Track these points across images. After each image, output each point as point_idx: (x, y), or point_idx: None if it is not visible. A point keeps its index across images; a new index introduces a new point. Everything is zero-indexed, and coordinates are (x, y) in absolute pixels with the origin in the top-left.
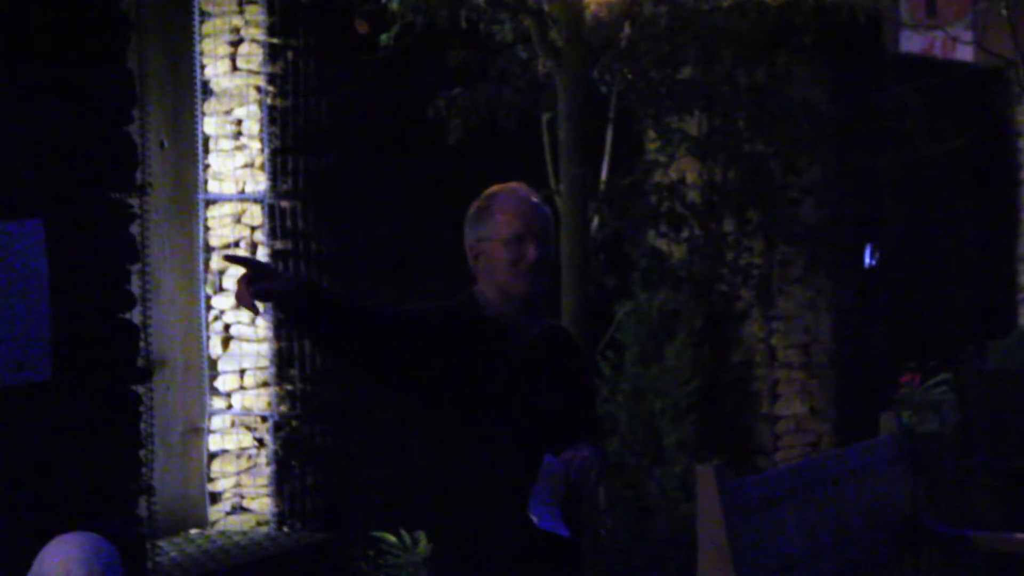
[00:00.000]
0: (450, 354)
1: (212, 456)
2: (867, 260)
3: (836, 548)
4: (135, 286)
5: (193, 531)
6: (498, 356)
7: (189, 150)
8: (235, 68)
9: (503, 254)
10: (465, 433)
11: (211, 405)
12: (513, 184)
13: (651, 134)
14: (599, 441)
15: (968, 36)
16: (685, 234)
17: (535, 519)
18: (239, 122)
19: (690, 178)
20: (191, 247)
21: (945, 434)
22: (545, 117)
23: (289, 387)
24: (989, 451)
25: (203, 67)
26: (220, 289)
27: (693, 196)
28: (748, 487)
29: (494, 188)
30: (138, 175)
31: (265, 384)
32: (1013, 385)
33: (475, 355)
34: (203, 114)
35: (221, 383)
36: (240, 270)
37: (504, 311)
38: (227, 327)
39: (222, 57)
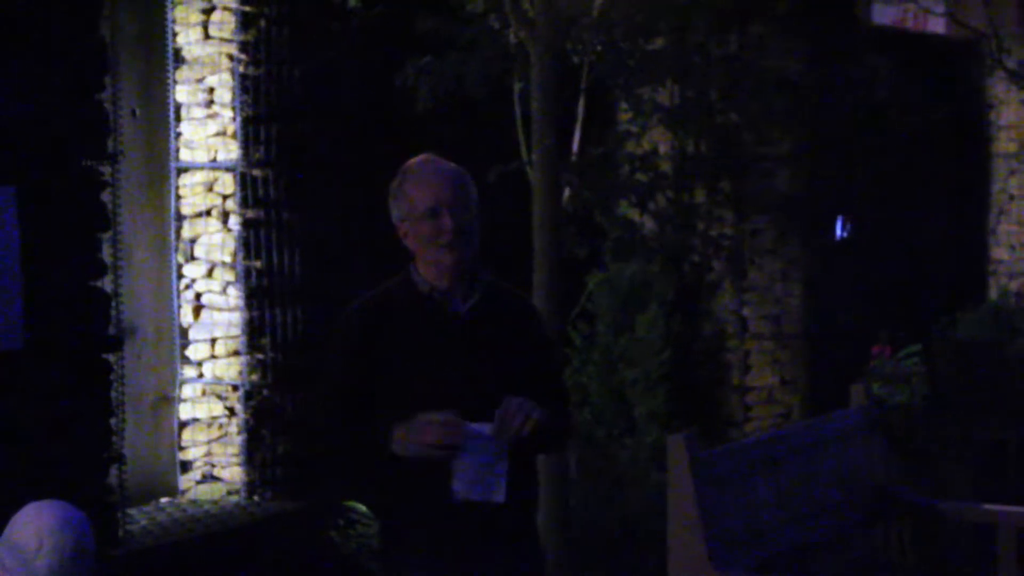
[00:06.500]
0: (390, 336)
1: (183, 425)
2: (839, 232)
3: (806, 518)
4: (106, 254)
5: (163, 500)
6: (434, 332)
7: (161, 118)
8: (207, 36)
9: (423, 229)
10: (407, 412)
11: (182, 374)
12: (423, 156)
13: (623, 105)
14: (560, 398)
15: (940, 8)
16: (656, 204)
17: (458, 493)
18: (211, 90)
19: (662, 149)
20: (162, 215)
21: (916, 405)
22: (516, 87)
23: (260, 356)
24: (959, 422)
25: (175, 35)
26: (191, 258)
27: (665, 167)
28: (719, 457)
29: (407, 163)
30: (110, 143)
31: (236, 353)
32: (983, 357)
33: (412, 333)
34: (175, 82)
35: (192, 352)
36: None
37: (438, 285)
38: (198, 296)
39: (194, 25)
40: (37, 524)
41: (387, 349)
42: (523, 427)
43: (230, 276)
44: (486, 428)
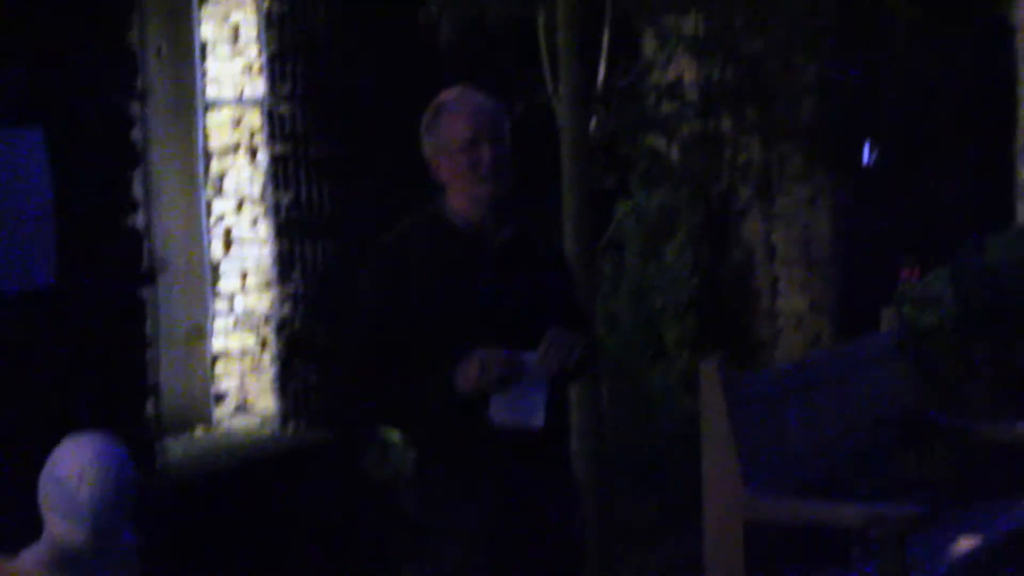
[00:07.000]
0: (423, 269)
1: (215, 357)
2: (866, 157)
3: (839, 441)
4: (137, 191)
5: (199, 431)
6: (468, 265)
7: (187, 55)
8: None
9: (460, 161)
10: (441, 344)
11: (214, 307)
12: (458, 88)
13: (648, 34)
14: (586, 327)
15: None
16: (683, 133)
17: (495, 419)
18: (236, 27)
19: (688, 77)
20: (191, 152)
21: (945, 327)
22: (540, 19)
23: (291, 288)
24: (987, 343)
25: None
26: (220, 193)
27: (691, 96)
28: (751, 382)
29: (441, 95)
30: (138, 81)
31: (267, 285)
32: (1010, 279)
33: (446, 266)
34: (200, 19)
35: (223, 285)
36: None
37: (471, 218)
38: (228, 231)
39: None
40: (78, 457)
41: (420, 282)
42: (570, 357)
43: (259, 210)
44: (528, 357)
